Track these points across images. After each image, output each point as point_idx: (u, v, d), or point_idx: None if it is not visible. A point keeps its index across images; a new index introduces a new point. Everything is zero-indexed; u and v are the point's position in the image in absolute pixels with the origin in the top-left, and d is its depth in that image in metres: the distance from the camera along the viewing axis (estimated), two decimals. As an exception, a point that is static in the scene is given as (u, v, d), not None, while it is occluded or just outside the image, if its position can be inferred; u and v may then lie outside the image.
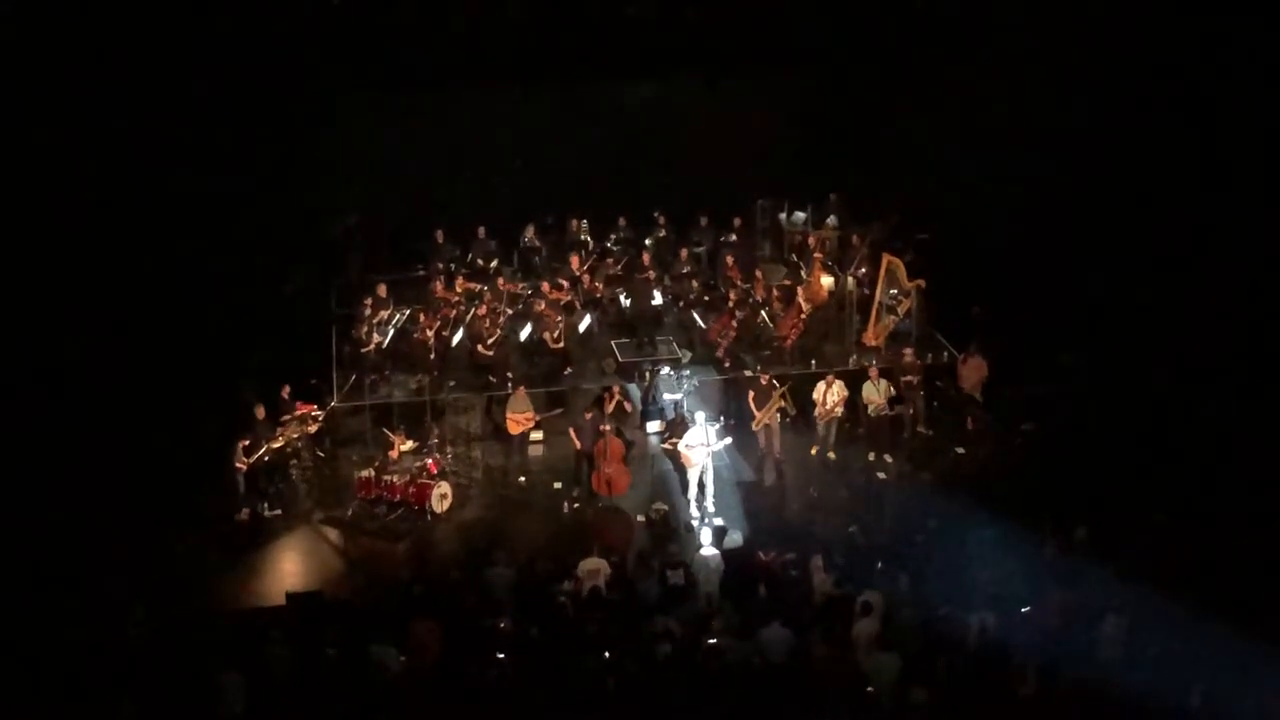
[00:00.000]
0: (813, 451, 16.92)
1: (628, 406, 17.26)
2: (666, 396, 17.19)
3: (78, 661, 11.96)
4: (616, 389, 17.16)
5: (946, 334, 18.82)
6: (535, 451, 17.12)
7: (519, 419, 16.82)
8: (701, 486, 15.69)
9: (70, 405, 15.33)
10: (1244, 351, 16.20)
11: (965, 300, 18.33)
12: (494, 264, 19.83)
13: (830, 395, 16.64)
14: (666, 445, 16.30)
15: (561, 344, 17.95)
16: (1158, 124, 17.16)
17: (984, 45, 18.89)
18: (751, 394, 16.58)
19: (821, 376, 16.95)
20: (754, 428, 16.45)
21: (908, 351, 17.39)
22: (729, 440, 15.84)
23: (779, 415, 16.47)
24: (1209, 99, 16.75)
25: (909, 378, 17.16)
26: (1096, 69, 17.68)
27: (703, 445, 15.52)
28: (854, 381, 16.97)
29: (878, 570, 13.11)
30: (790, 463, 16.71)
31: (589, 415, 16.18)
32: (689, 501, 15.69)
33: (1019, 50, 18.39)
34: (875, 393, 16.85)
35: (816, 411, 16.72)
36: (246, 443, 15.45)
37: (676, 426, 16.27)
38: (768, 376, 16.62)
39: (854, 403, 16.91)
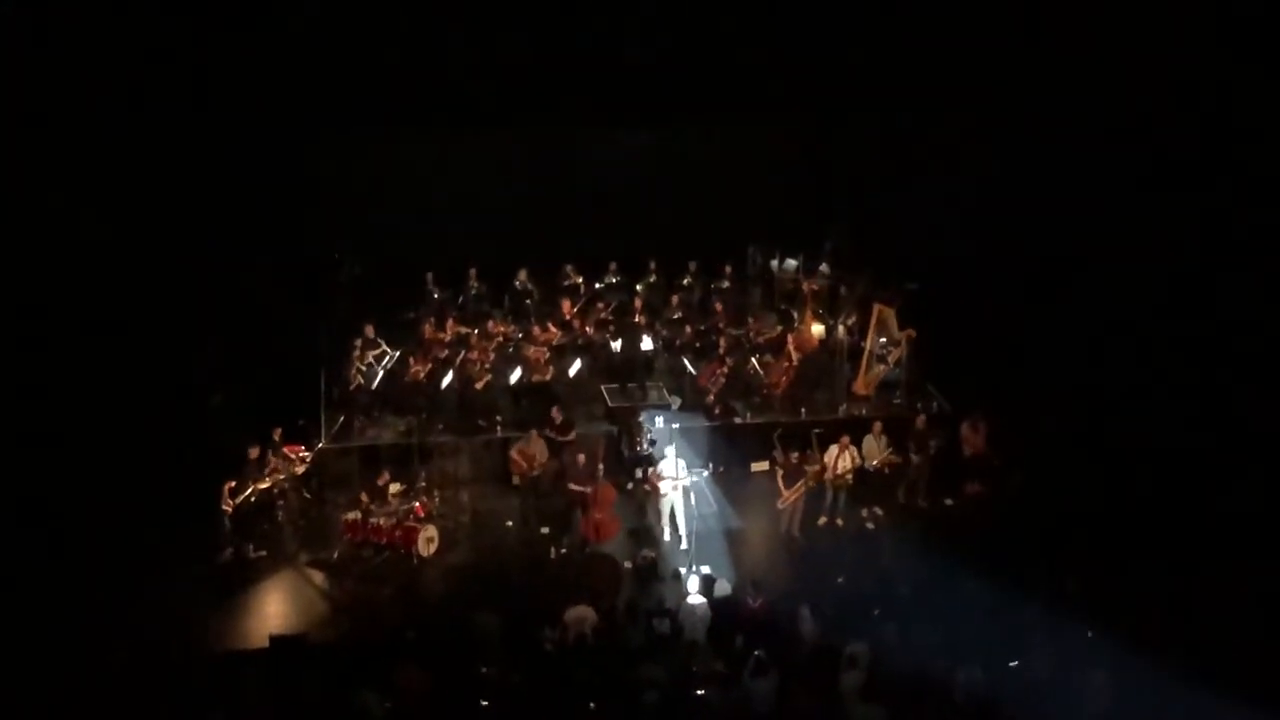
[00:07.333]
0: (820, 522, 16.53)
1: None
2: (648, 431, 17.06)
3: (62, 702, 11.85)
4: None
5: (937, 384, 18.84)
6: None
7: (524, 460, 16.43)
8: (673, 520, 15.84)
9: (57, 442, 15.23)
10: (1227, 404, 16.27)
11: (955, 350, 18.35)
12: (485, 306, 19.85)
13: (843, 461, 16.33)
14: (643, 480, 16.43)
15: (550, 385, 17.89)
16: (1149, 171, 17.25)
17: (975, 96, 19.05)
18: (780, 473, 16.22)
19: (814, 426, 16.85)
20: (780, 506, 16.14)
21: (920, 419, 17.15)
22: (701, 475, 15.83)
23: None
24: (1197, 146, 16.85)
25: (918, 442, 16.86)
26: (1087, 121, 17.82)
27: (671, 479, 15.77)
28: (856, 435, 16.64)
29: (865, 621, 13.06)
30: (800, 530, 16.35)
31: (581, 460, 16.16)
32: (665, 533, 15.87)
33: (1008, 101, 18.54)
34: (876, 449, 16.71)
35: (827, 476, 16.31)
36: (233, 484, 15.41)
37: (652, 460, 16.41)
38: (798, 455, 16.20)
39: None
